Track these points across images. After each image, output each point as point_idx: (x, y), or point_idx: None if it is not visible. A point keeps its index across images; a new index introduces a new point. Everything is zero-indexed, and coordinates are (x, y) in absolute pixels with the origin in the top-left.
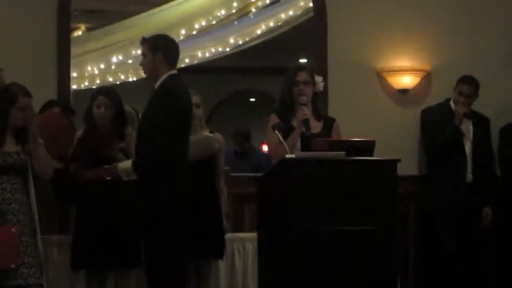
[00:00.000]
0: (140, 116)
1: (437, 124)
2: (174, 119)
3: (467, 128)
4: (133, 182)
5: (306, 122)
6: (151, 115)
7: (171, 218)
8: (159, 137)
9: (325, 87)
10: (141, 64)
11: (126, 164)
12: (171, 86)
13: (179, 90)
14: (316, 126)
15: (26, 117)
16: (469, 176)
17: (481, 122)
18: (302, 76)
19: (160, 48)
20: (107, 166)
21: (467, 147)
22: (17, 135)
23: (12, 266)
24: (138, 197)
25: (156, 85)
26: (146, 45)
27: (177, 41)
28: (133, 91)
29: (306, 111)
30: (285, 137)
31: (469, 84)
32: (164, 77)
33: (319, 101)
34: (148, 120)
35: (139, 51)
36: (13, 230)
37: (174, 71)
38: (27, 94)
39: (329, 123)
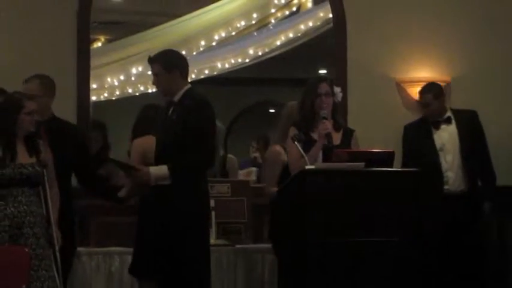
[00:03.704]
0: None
1: (415, 139)
2: (212, 129)
3: (449, 132)
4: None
5: (328, 136)
6: (185, 124)
7: (201, 227)
8: (200, 144)
9: (345, 98)
10: (155, 83)
11: (160, 170)
12: (201, 97)
13: (208, 101)
14: (335, 138)
15: (35, 121)
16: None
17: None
18: (323, 87)
19: (176, 65)
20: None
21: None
22: (27, 142)
23: (23, 287)
24: (169, 203)
25: (177, 98)
26: (159, 64)
27: (196, 52)
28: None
29: (328, 125)
30: (305, 149)
31: (423, 93)
32: (183, 90)
33: (338, 111)
34: (184, 129)
35: None
36: (26, 250)
37: (189, 85)
38: (32, 98)
39: (348, 135)
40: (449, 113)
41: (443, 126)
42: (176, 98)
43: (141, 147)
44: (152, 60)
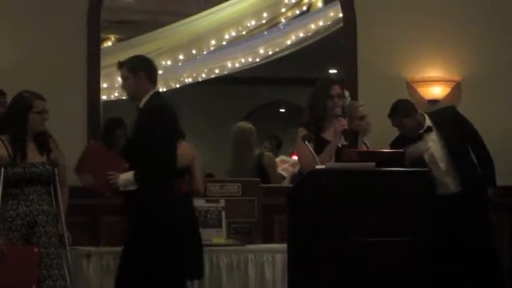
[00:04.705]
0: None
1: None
2: (171, 133)
3: (434, 141)
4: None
5: (345, 132)
6: (148, 130)
7: (169, 231)
8: (161, 150)
9: (355, 97)
10: (123, 87)
11: (127, 175)
12: (160, 102)
13: (165, 105)
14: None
15: (45, 119)
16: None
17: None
18: (336, 89)
19: (142, 68)
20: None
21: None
22: (37, 141)
23: (34, 287)
24: (135, 207)
25: (142, 103)
26: (125, 68)
27: (206, 51)
28: None
29: (344, 122)
30: (317, 150)
31: (390, 117)
32: (148, 96)
33: (346, 115)
34: (146, 134)
35: (169, 62)
36: (36, 250)
37: (156, 89)
38: (41, 97)
39: (354, 136)
40: (428, 122)
41: (426, 138)
42: (142, 103)
43: None
44: (120, 65)
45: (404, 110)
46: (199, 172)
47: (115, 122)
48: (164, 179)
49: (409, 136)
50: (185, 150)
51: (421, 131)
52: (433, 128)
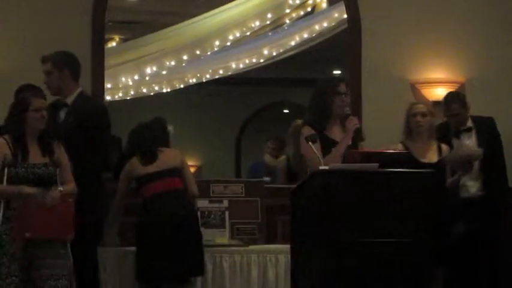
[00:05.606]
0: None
1: None
2: (109, 133)
3: (469, 142)
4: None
5: (358, 130)
6: (86, 129)
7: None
8: (97, 153)
9: (360, 98)
10: (47, 82)
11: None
12: (98, 102)
13: (104, 106)
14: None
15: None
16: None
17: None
18: (343, 87)
19: (67, 65)
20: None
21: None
22: (41, 143)
23: (69, 236)
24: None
25: (70, 100)
26: (50, 63)
27: (210, 52)
28: (167, 102)
29: (356, 121)
30: (323, 149)
31: (449, 103)
32: (76, 93)
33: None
34: (81, 136)
35: (173, 62)
36: (70, 200)
37: (81, 88)
38: (40, 96)
39: (356, 136)
40: (470, 123)
41: (463, 136)
42: (69, 99)
43: None
44: (44, 60)
45: (464, 100)
46: (190, 175)
47: None
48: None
49: (452, 128)
50: (173, 154)
51: (463, 128)
52: (474, 130)
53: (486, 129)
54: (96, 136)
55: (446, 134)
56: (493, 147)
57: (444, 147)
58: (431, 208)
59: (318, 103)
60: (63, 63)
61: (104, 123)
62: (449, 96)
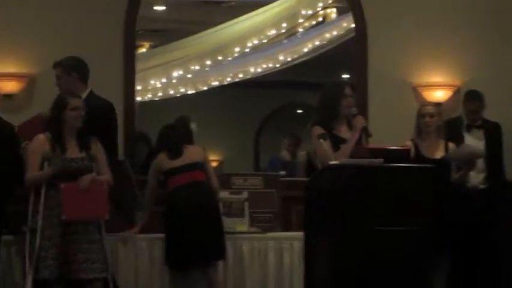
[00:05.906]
0: None
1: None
2: (115, 129)
3: (477, 138)
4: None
5: (365, 129)
6: (89, 125)
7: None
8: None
9: (366, 101)
10: (58, 85)
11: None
12: (106, 100)
13: (111, 103)
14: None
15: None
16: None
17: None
18: (349, 90)
19: (75, 69)
20: None
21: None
22: (79, 140)
23: (104, 216)
24: None
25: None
26: (59, 68)
27: (231, 58)
28: (192, 103)
29: (363, 120)
30: (333, 146)
31: (472, 100)
32: (86, 94)
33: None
34: (91, 130)
35: (197, 67)
36: (104, 187)
37: (90, 89)
38: (76, 95)
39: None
40: (480, 121)
41: (474, 131)
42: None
43: None
44: (55, 65)
45: (484, 101)
46: (211, 170)
47: None
48: None
49: (467, 122)
50: (196, 151)
51: (476, 124)
52: (484, 129)
53: (493, 131)
54: (104, 129)
55: (456, 129)
56: (496, 148)
57: (451, 145)
58: (432, 200)
59: (325, 105)
60: (71, 68)
61: (111, 118)
62: (472, 94)
